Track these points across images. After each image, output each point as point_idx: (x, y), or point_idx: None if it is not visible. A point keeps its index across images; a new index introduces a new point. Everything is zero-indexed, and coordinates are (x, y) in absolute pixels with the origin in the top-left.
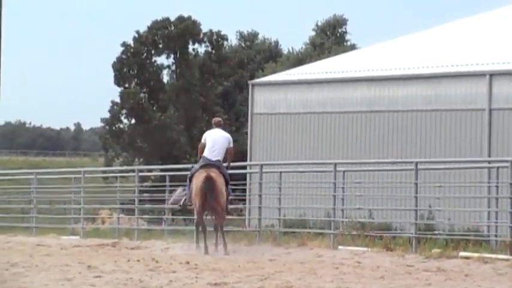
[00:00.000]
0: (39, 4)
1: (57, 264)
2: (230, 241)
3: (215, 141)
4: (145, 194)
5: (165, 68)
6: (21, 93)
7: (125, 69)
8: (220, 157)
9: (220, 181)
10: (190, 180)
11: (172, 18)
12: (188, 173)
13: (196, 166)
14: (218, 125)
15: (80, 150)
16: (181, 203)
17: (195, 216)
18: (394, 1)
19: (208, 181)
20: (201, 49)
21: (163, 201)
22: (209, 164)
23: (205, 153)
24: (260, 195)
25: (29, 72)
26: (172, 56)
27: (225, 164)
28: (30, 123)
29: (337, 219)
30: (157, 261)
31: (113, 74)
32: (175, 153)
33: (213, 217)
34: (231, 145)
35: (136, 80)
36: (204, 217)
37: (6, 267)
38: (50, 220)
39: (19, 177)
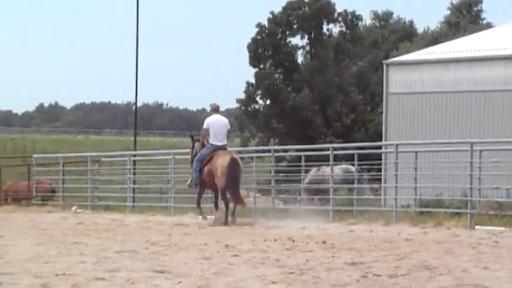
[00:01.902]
0: None
1: (196, 244)
2: (366, 221)
3: (218, 129)
4: (281, 174)
5: (299, 49)
6: (159, 75)
7: (259, 50)
8: (225, 142)
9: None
10: (202, 162)
11: None
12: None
13: (206, 151)
14: (217, 111)
15: None
16: (188, 184)
17: (196, 195)
18: None
19: (235, 163)
20: (336, 29)
21: (299, 181)
22: (222, 148)
23: (213, 141)
24: (396, 175)
25: (166, 54)
26: (306, 36)
27: None
28: (167, 105)
29: (474, 199)
30: (293, 241)
31: (248, 55)
32: (311, 133)
33: (231, 196)
34: (229, 127)
35: (271, 60)
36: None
37: (146, 246)
38: (188, 200)
39: (157, 158)
